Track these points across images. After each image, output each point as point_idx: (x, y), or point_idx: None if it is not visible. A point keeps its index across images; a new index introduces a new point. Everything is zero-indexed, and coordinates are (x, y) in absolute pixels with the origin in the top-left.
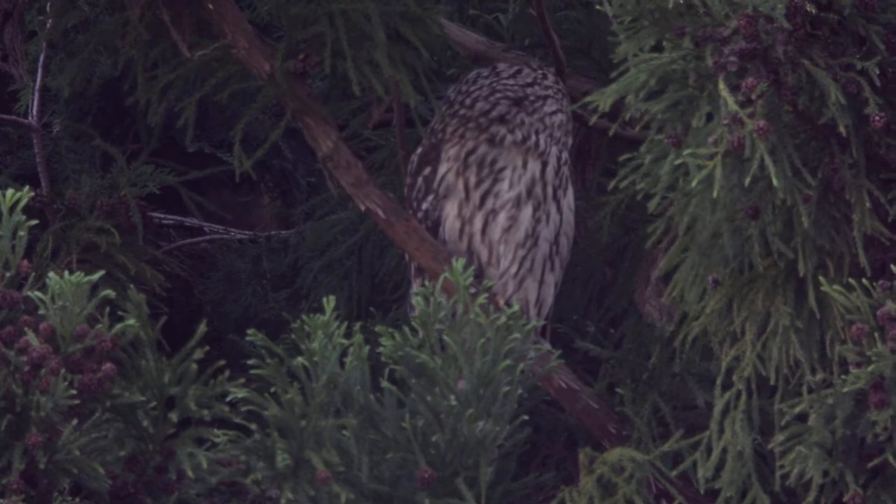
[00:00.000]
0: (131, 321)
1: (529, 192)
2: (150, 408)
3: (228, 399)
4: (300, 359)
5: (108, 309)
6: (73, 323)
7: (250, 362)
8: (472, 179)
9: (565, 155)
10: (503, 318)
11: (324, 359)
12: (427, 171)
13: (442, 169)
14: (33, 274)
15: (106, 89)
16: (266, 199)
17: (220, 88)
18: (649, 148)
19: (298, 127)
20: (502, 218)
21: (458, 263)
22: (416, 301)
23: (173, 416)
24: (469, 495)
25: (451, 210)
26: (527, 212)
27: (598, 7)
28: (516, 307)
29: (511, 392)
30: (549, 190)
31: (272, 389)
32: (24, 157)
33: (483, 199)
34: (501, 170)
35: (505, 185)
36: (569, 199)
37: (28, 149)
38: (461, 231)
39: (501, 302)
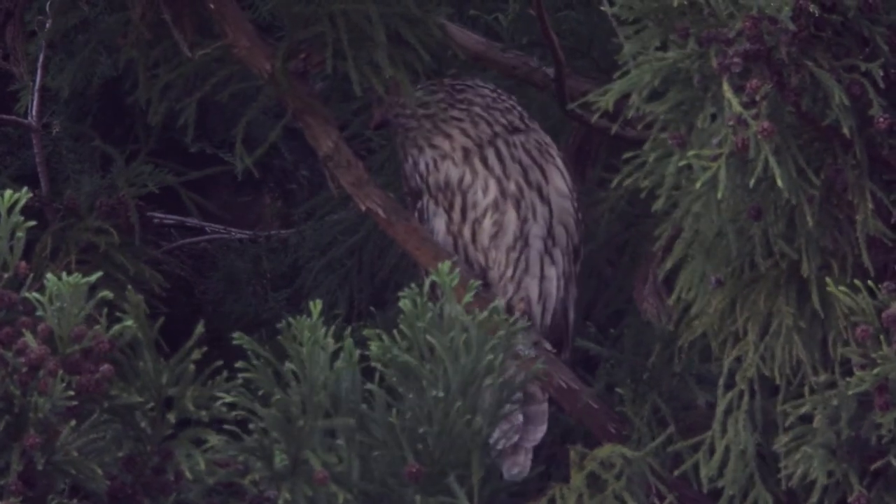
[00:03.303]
0: (129, 322)
1: (504, 192)
2: (148, 409)
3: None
4: (289, 363)
5: (106, 310)
6: (72, 324)
7: (237, 365)
8: (445, 201)
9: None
10: (485, 315)
11: (312, 361)
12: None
13: (424, 198)
14: (32, 275)
15: (106, 89)
16: (266, 199)
17: (220, 88)
18: (653, 146)
19: (298, 127)
20: (487, 224)
21: (444, 265)
22: (403, 303)
23: (171, 417)
24: (461, 493)
25: (439, 227)
26: (511, 215)
27: (599, 7)
28: (500, 303)
29: (497, 388)
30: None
31: (260, 392)
32: (24, 158)
33: (464, 212)
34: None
35: (479, 193)
36: (555, 185)
37: (28, 149)
38: (455, 245)
39: (503, 302)
